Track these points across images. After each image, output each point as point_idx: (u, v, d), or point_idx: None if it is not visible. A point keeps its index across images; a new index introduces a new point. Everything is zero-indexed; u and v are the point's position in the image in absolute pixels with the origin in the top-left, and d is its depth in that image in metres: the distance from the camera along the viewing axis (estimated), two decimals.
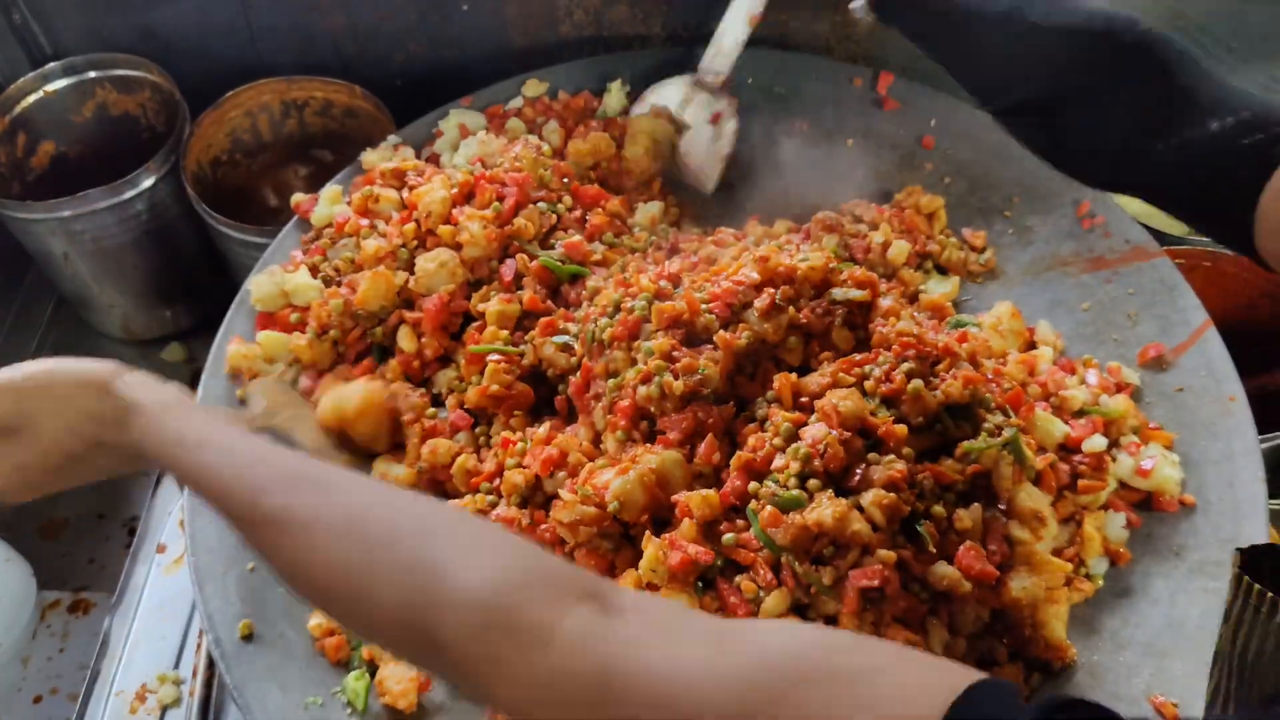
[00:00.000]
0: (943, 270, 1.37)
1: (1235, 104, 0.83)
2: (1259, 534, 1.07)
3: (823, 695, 0.53)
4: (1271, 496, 1.10)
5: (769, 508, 0.94)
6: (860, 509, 0.93)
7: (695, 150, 1.44)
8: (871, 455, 0.96)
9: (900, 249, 1.32)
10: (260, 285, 1.27)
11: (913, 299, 1.30)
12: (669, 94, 1.43)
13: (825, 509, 0.91)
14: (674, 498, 1.00)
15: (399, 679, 1.03)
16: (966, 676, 0.51)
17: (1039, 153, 0.98)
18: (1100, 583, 1.06)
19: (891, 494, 0.93)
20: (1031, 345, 1.26)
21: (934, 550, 0.94)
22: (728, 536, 0.96)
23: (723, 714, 0.55)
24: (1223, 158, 0.82)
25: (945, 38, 1.03)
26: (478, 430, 1.19)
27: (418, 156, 1.41)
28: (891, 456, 0.96)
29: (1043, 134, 0.96)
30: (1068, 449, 1.13)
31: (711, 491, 0.98)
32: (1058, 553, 1.05)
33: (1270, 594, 0.63)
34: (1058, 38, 0.91)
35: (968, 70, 1.02)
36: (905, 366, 1.01)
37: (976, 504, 0.99)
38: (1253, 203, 0.79)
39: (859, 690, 0.53)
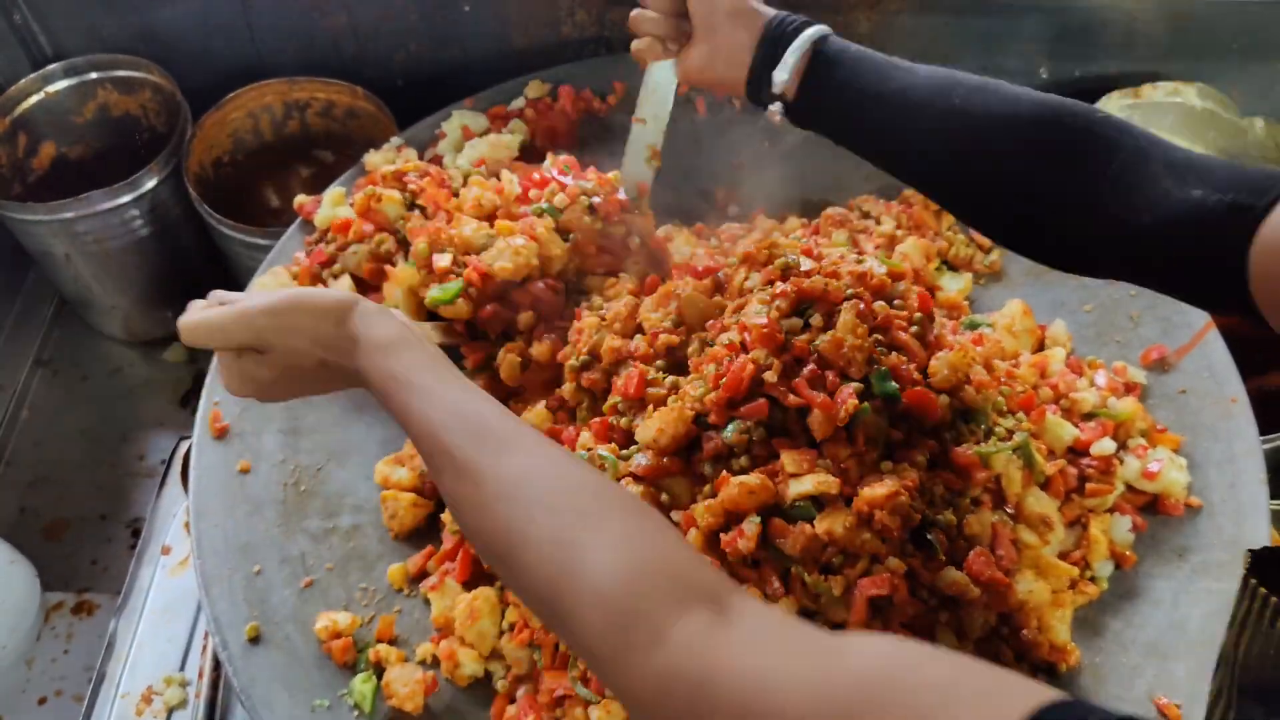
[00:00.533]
0: (951, 267, 1.37)
1: (1201, 172, 0.82)
2: (1261, 535, 1.08)
3: (913, 703, 0.55)
4: (1273, 497, 1.11)
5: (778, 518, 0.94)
6: (871, 519, 0.93)
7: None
8: (884, 464, 0.96)
9: (914, 245, 1.32)
10: (265, 286, 1.27)
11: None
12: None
13: (835, 519, 0.91)
14: (674, 515, 0.99)
15: (405, 681, 1.03)
16: (1044, 694, 0.52)
17: (1021, 251, 0.96)
18: (1105, 585, 1.07)
19: (903, 503, 0.93)
20: (1041, 345, 1.27)
21: (943, 558, 0.94)
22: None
23: None
24: (1202, 225, 0.81)
25: (873, 141, 1.00)
26: None
27: (420, 158, 1.41)
28: (905, 465, 0.95)
29: (1010, 232, 0.95)
30: (1076, 451, 1.13)
31: (715, 501, 0.97)
32: (1064, 556, 1.06)
33: (1276, 599, 0.62)
34: (996, 131, 0.90)
35: (905, 171, 1.01)
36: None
37: (986, 510, 0.99)
38: (1242, 264, 0.77)
39: (950, 696, 0.54)
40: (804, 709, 0.58)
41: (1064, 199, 0.88)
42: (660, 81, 1.17)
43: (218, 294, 0.94)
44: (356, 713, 1.03)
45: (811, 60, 0.98)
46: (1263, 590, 0.63)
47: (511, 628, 1.05)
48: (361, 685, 1.04)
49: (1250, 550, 0.65)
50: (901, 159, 0.99)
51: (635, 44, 1.11)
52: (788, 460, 0.94)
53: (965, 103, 0.91)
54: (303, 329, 0.88)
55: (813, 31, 0.98)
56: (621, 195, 1.29)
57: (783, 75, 0.98)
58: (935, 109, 0.92)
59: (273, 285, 1.27)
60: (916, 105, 0.94)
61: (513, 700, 1.04)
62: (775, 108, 1.02)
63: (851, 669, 0.59)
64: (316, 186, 1.40)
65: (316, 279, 1.29)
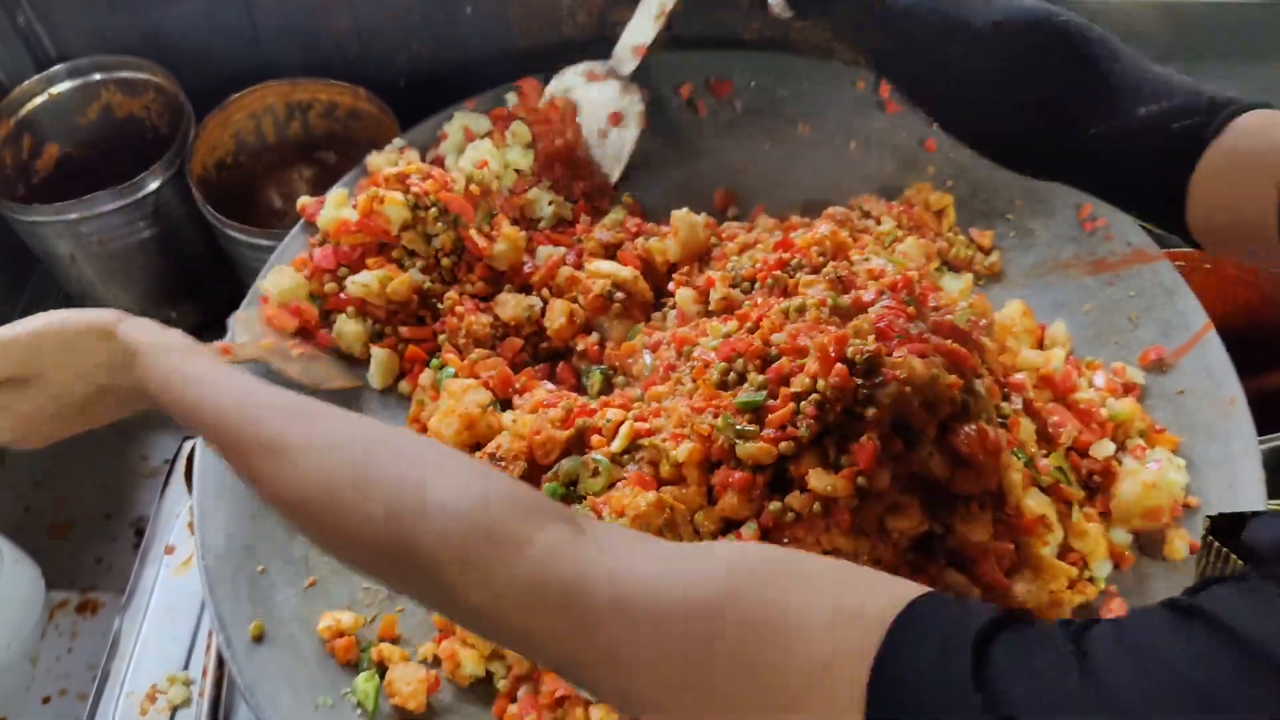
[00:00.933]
0: (952, 268, 1.37)
1: (1163, 90, 0.85)
2: None
3: (781, 587, 0.56)
4: (1271, 497, 1.12)
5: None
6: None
7: (593, 140, 1.44)
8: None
9: (914, 245, 1.32)
10: (279, 279, 1.27)
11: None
12: (570, 80, 1.43)
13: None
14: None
15: (409, 680, 1.04)
16: (915, 588, 0.55)
17: (975, 147, 0.99)
18: (1103, 585, 1.07)
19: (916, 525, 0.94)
20: (1041, 345, 1.27)
21: (944, 560, 0.95)
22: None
23: (686, 611, 0.58)
24: (1154, 143, 0.84)
25: (871, 32, 1.02)
26: None
27: (423, 159, 1.42)
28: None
29: (974, 128, 0.98)
30: (1076, 451, 1.14)
31: (714, 508, 0.98)
32: (1062, 556, 1.06)
33: (1231, 553, 0.62)
34: (978, 32, 0.92)
35: (896, 69, 1.02)
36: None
37: (987, 511, 0.99)
38: (1184, 185, 0.82)
39: (816, 585, 0.56)
40: (671, 592, 0.58)
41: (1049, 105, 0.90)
42: None
43: None
44: (360, 711, 1.04)
45: None
46: (1222, 547, 0.63)
47: None
48: (364, 684, 1.04)
49: (1209, 517, 0.65)
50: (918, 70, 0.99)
51: None
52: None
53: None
54: (69, 354, 0.85)
55: None
56: (612, 63, 1.34)
57: None
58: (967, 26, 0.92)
59: (283, 282, 1.27)
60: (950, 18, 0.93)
61: (514, 700, 1.05)
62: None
63: (722, 559, 0.60)
64: (319, 187, 1.41)
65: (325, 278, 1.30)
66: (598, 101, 1.42)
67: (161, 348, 0.86)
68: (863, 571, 0.59)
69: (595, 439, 1.08)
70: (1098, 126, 0.87)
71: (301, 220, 1.35)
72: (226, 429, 0.78)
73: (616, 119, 1.38)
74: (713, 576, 0.59)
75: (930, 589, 0.55)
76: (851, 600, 0.54)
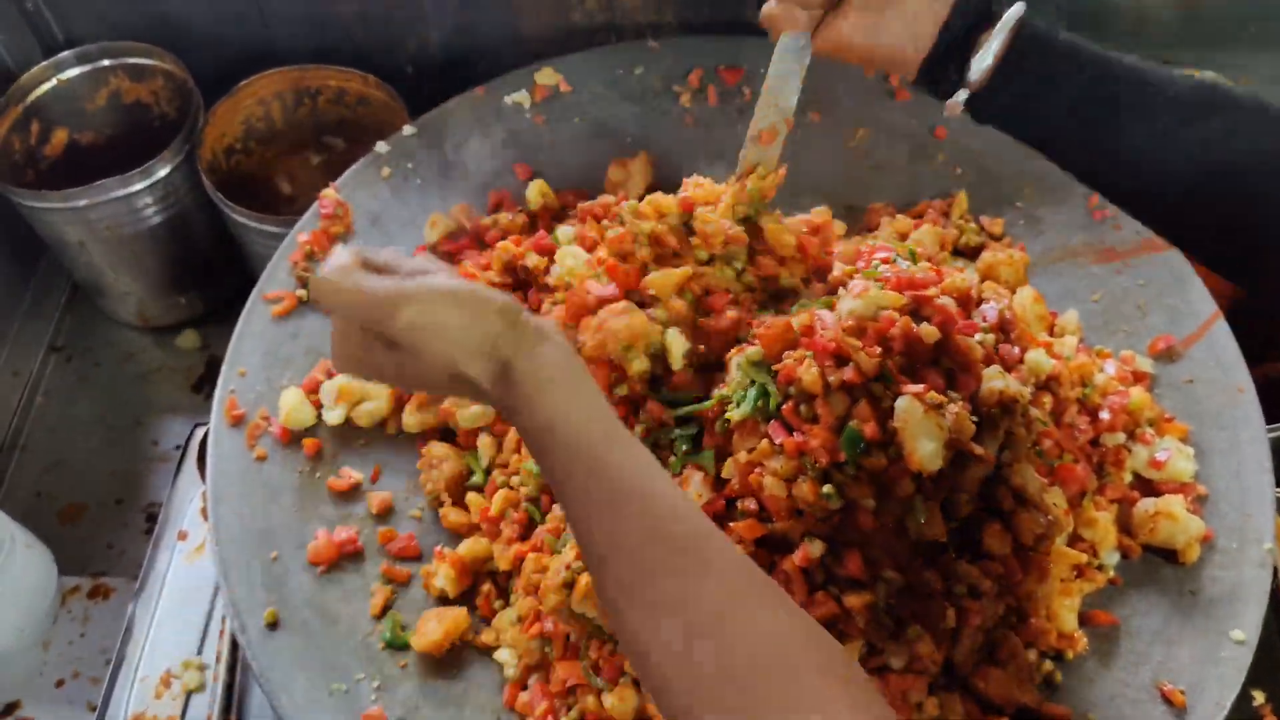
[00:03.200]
0: (962, 255, 1.37)
1: None
2: (1265, 523, 1.09)
3: None
4: (1277, 485, 1.12)
5: None
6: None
7: None
8: None
9: (929, 232, 1.32)
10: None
11: None
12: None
13: None
14: None
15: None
16: None
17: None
18: (1111, 573, 1.08)
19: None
20: (1051, 332, 1.27)
21: (954, 553, 0.96)
22: None
23: None
24: None
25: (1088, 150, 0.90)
26: None
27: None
28: None
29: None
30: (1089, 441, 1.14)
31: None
32: (1071, 544, 1.07)
33: None
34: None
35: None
36: None
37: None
38: None
39: None
40: None
41: None
42: (787, 57, 1.03)
43: (362, 251, 0.77)
44: (377, 684, 1.05)
45: (1014, 45, 0.85)
46: None
47: (521, 620, 1.07)
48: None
49: None
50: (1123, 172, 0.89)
51: (767, 7, 0.97)
52: None
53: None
54: (451, 331, 0.72)
55: (1016, 9, 0.85)
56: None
57: (985, 61, 0.85)
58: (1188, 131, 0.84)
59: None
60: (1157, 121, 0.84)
61: (524, 688, 1.05)
62: (959, 98, 0.89)
63: None
64: (328, 174, 1.40)
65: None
66: None
67: (544, 383, 0.73)
68: None
69: None
70: None
71: (313, 206, 1.35)
72: (582, 535, 0.71)
73: None
74: None
75: None
76: None
